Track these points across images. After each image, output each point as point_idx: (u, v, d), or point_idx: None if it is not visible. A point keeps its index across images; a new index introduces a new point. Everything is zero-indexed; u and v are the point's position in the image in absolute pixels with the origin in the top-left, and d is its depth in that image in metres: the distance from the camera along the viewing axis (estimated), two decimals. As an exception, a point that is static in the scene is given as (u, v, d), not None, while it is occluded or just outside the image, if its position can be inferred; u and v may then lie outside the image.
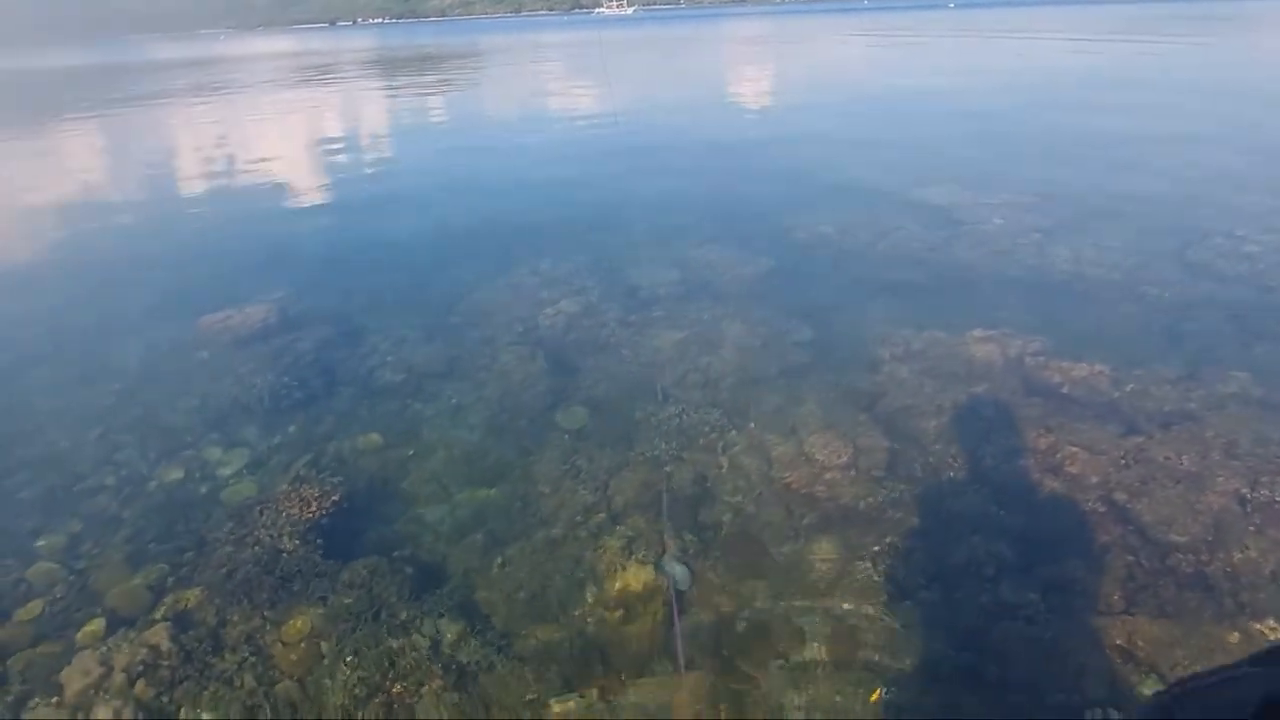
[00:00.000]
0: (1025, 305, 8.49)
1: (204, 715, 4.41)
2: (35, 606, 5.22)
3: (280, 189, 16.11)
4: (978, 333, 7.48)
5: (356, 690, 4.40)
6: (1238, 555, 4.87)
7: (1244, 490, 5.34)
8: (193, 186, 17.35)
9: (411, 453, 6.49)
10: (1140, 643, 4.37)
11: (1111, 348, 7.30)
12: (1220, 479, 5.43)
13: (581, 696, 4.34)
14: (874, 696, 4.24)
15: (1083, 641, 4.46)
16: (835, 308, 8.58)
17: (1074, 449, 5.76)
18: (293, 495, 5.90)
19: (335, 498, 5.89)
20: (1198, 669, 4.15)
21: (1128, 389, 6.60)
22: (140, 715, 4.41)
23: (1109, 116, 20.30)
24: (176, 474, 6.40)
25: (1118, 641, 4.41)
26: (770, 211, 12.24)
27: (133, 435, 6.96)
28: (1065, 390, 6.62)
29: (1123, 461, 5.66)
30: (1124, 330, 7.88)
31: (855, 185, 13.79)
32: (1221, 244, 9.99)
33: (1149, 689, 4.13)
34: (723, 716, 4.21)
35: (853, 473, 5.78)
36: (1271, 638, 4.36)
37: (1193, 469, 5.54)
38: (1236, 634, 4.39)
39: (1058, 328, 7.76)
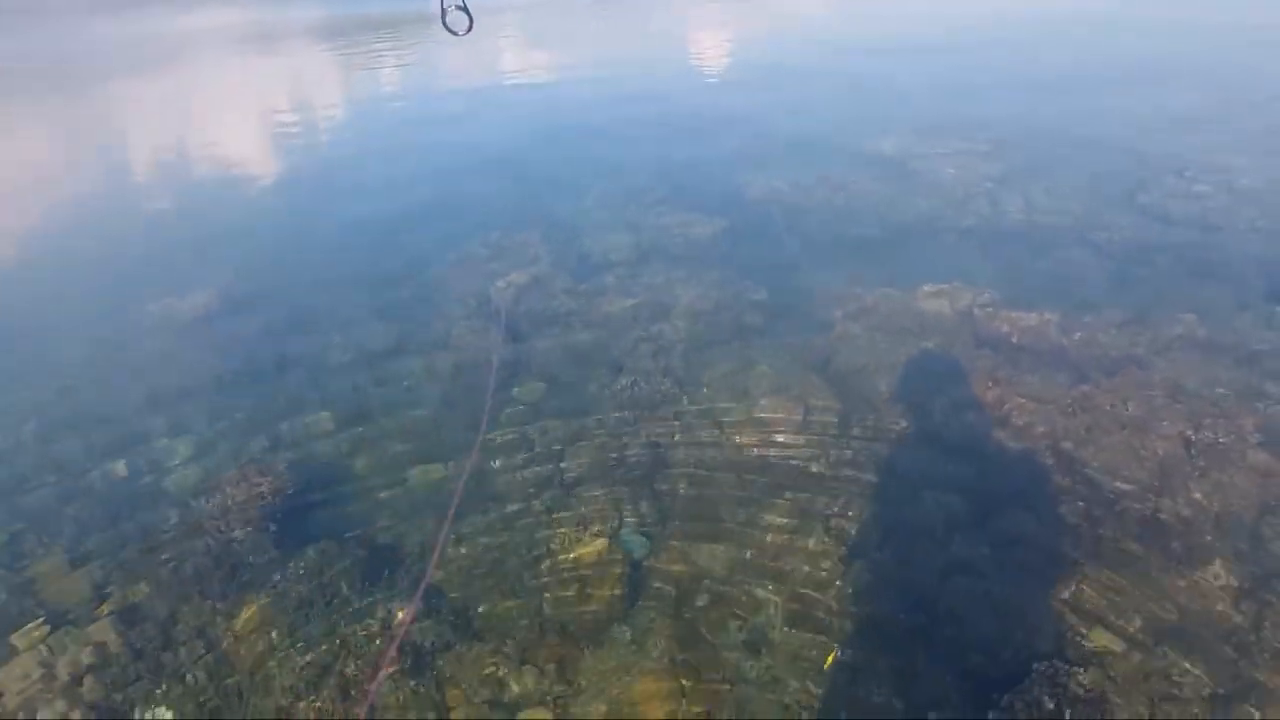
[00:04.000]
0: (977, 256, 8.52)
1: (159, 713, 4.35)
2: (-26, 610, 5.10)
3: (221, 169, 15.62)
4: (929, 287, 7.49)
5: (308, 674, 4.36)
6: (1183, 501, 4.96)
7: (1189, 433, 5.42)
8: (127, 170, 16.77)
9: (363, 432, 6.38)
10: (1088, 592, 4.45)
11: (1061, 295, 7.35)
12: (1165, 423, 5.51)
13: (540, 670, 4.34)
14: (829, 660, 4.28)
15: (1032, 595, 4.52)
16: (789, 267, 8.54)
17: (1022, 400, 5.81)
18: (241, 481, 5.78)
19: (286, 482, 5.78)
20: (1144, 619, 4.25)
21: (1075, 336, 6.65)
22: (91, 715, 4.33)
23: (1062, 57, 20.32)
24: (120, 466, 6.24)
25: (1066, 593, 4.48)
26: (723, 171, 12.12)
27: (74, 429, 6.77)
28: (1014, 340, 6.66)
29: (1070, 410, 5.72)
30: (1074, 277, 7.94)
31: (809, 139, 13.67)
32: (1172, 185, 10.08)
33: (1097, 640, 4.20)
34: (683, 682, 4.23)
35: (805, 435, 5.78)
36: (1217, 583, 4.45)
37: (1138, 414, 5.62)
38: (1183, 581, 4.47)
39: (1009, 278, 7.79)
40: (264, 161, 15.89)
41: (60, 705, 4.33)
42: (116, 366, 7.72)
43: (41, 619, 4.91)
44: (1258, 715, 3.73)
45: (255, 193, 13.85)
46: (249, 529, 5.44)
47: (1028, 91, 16.42)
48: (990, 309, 7.11)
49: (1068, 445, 5.43)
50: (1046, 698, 3.80)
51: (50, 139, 21.06)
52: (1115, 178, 10.61)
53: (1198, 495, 4.98)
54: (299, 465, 5.96)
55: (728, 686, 4.20)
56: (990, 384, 6.03)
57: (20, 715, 4.31)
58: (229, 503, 5.63)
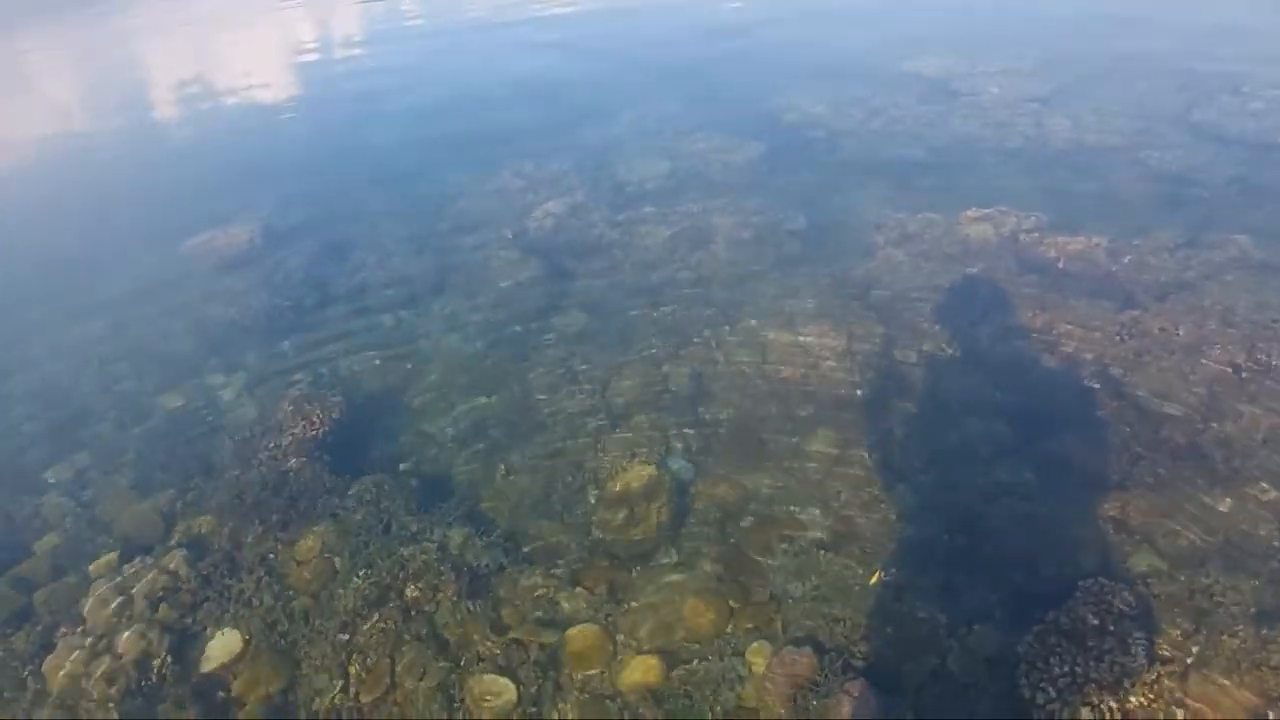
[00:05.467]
0: (1022, 179, 8.31)
1: (229, 634, 4.56)
2: (51, 539, 5.34)
3: (253, 103, 15.59)
4: (973, 212, 7.35)
5: (369, 595, 4.54)
6: (1231, 423, 4.91)
7: (1239, 358, 5.34)
8: (161, 106, 16.80)
9: (409, 366, 6.49)
10: (1133, 513, 4.46)
11: (1109, 219, 7.17)
12: (1216, 348, 5.43)
13: (590, 592, 4.48)
14: (873, 579, 4.36)
15: (1077, 516, 4.55)
16: (829, 193, 8.40)
17: (1069, 325, 5.74)
18: (294, 414, 5.93)
19: (336, 415, 5.91)
20: (1189, 540, 4.26)
21: (1125, 260, 6.52)
22: (166, 637, 4.56)
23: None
24: (177, 400, 6.43)
25: (1111, 514, 4.50)
26: (760, 95, 11.84)
27: (130, 364, 6.96)
28: (1061, 265, 6.55)
29: (1118, 335, 5.64)
30: (1123, 200, 7.73)
31: (847, 61, 13.28)
32: (1226, 103, 9.69)
33: (1142, 560, 4.23)
34: (730, 603, 4.35)
35: (848, 362, 5.77)
36: (1264, 500, 4.43)
37: (1189, 339, 5.53)
38: (1229, 500, 4.47)
39: (1055, 201, 7.61)
40: (292, 92, 15.84)
41: (139, 628, 4.56)
42: (164, 302, 7.88)
43: (114, 549, 5.15)
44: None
45: (286, 123, 13.83)
46: (304, 460, 5.60)
47: (1074, 4, 15.73)
48: (1036, 233, 6.97)
49: (1116, 370, 5.38)
50: (1090, 614, 3.85)
51: (74, 70, 21.11)
52: (1166, 95, 10.22)
53: (1246, 419, 4.92)
54: (348, 398, 6.08)
55: (774, 606, 4.31)
56: (1036, 310, 5.95)
57: (104, 637, 4.55)
58: (283, 435, 5.78)
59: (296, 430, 5.79)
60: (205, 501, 5.43)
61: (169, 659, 4.43)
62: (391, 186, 10.04)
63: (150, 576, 4.87)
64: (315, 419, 5.86)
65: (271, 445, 5.75)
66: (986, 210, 7.32)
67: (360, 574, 4.69)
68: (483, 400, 5.99)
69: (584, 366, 6.11)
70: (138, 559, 5.04)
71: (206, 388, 6.56)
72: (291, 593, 4.74)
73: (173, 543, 5.14)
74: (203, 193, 10.71)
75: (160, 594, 4.78)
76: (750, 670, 4.03)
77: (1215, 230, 6.84)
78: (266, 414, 6.10)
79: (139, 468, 5.81)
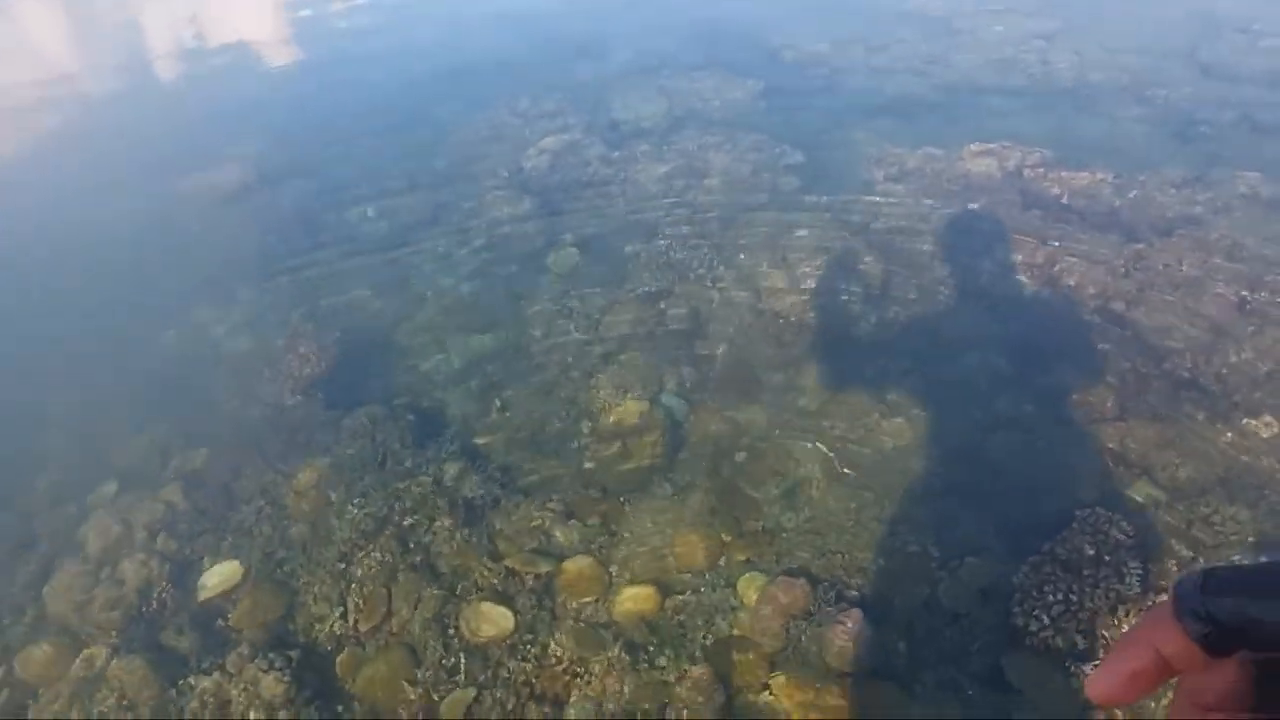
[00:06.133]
0: (1027, 115, 8.15)
1: (227, 565, 4.59)
2: (50, 471, 5.35)
3: (242, 43, 15.22)
4: (975, 146, 7.21)
5: (366, 526, 4.56)
6: (1234, 358, 4.87)
7: (1244, 293, 5.29)
8: (150, 47, 16.43)
9: (402, 303, 6.43)
10: (1133, 446, 4.45)
11: (1115, 154, 7.05)
12: (1220, 283, 5.37)
13: (584, 524, 4.49)
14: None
15: (1075, 448, 4.55)
16: (828, 129, 8.25)
17: (1072, 260, 5.67)
18: (289, 352, 5.90)
19: (332, 351, 5.89)
20: (1189, 471, 4.26)
21: (1130, 196, 6.42)
22: (166, 566, 4.59)
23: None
24: (172, 336, 6.39)
25: (1110, 446, 4.49)
26: (758, 31, 11.55)
27: (123, 301, 6.90)
28: (1065, 201, 6.45)
29: (1122, 270, 5.58)
30: (1129, 136, 7.60)
31: (850, -1, 12.97)
32: (1236, 40, 9.47)
33: (1141, 491, 4.23)
34: (723, 535, 4.36)
35: (844, 297, 5.72)
36: (1265, 435, 4.42)
37: (1193, 274, 5.47)
38: (1230, 433, 4.46)
39: (1060, 137, 7.47)
40: (282, 31, 15.46)
41: (140, 557, 4.59)
42: (158, 240, 7.77)
43: (113, 481, 5.15)
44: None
45: (275, 63, 13.50)
46: (299, 397, 5.60)
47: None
48: (1040, 169, 6.85)
49: (1118, 305, 5.33)
50: (1087, 544, 3.86)
51: (63, 13, 20.65)
52: (1175, 31, 9.97)
53: (1249, 353, 4.89)
54: (342, 335, 6.04)
55: (767, 538, 4.32)
56: (1039, 245, 5.88)
57: (105, 564, 4.59)
58: (278, 371, 5.76)
59: (292, 366, 5.78)
60: (202, 436, 5.42)
61: (169, 586, 4.47)
62: (382, 125, 9.83)
63: (149, 507, 4.89)
64: (310, 355, 5.84)
65: (267, 381, 5.74)
66: (989, 145, 7.19)
67: (356, 506, 4.70)
68: (477, 337, 5.95)
69: (578, 303, 6.05)
70: (136, 491, 5.06)
71: (201, 324, 6.50)
72: (289, 524, 4.76)
73: (170, 475, 5.15)
74: (191, 132, 10.49)
75: (159, 524, 4.81)
76: (742, 601, 4.05)
77: (1223, 167, 6.72)
78: (261, 350, 6.07)
79: (135, 402, 5.78)
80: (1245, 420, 4.48)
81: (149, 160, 9.69)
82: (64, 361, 6.29)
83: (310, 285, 6.78)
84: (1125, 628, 3.65)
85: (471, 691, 3.84)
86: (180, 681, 4.00)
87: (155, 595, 4.40)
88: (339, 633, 4.16)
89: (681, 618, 4.02)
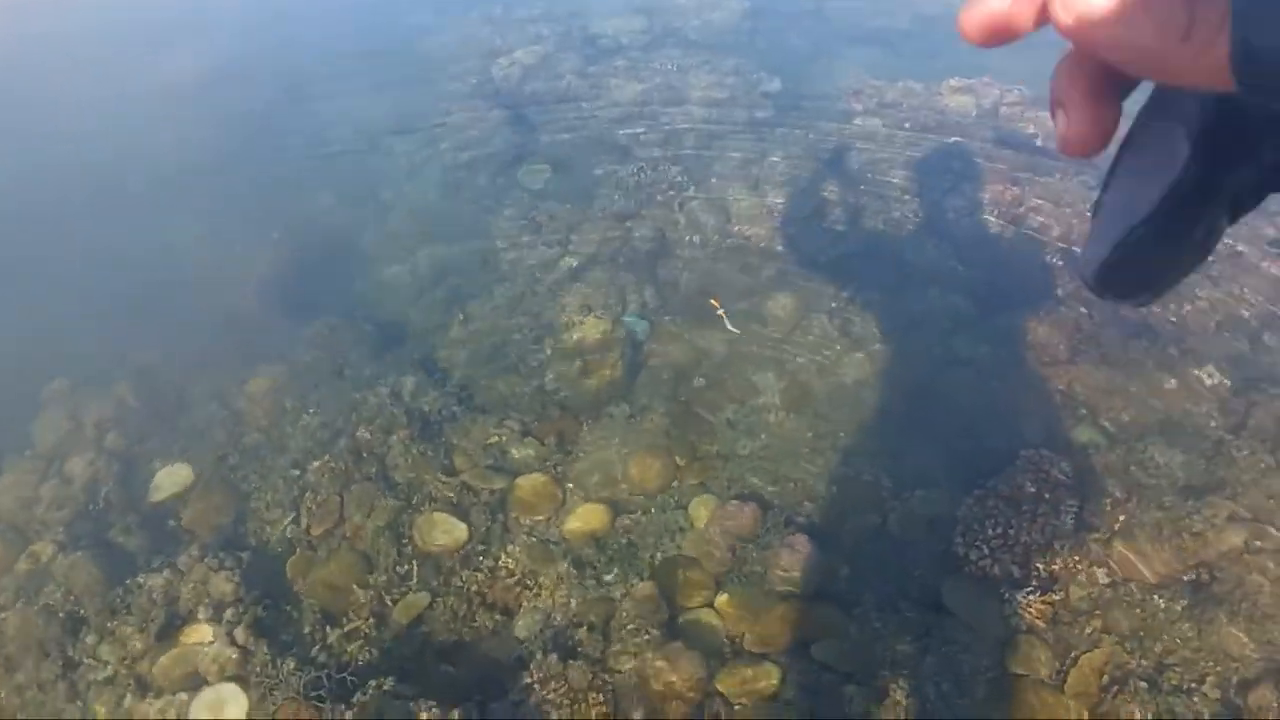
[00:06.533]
0: (1007, 51, 7.89)
1: (178, 468, 4.56)
2: (2, 371, 5.22)
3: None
4: (955, 82, 7.11)
5: (320, 435, 4.54)
6: (1186, 308, 4.95)
7: (1204, 241, 5.33)
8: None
9: (366, 212, 6.29)
10: (1081, 389, 4.54)
11: (1094, 97, 6.99)
12: (1182, 231, 5.41)
13: (540, 442, 4.51)
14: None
15: (1027, 389, 4.63)
16: (808, 57, 8.07)
17: (1039, 201, 5.68)
18: (247, 257, 5.79)
19: (292, 258, 5.79)
20: (1132, 416, 4.37)
21: (1103, 140, 6.40)
22: (115, 465, 4.55)
23: None
24: (129, 236, 6.17)
25: (1060, 388, 4.58)
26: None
27: (80, 202, 6.63)
28: (1039, 142, 6.42)
29: (1087, 213, 5.58)
30: (1108, 79, 7.52)
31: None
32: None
33: (1084, 433, 4.34)
34: (677, 458, 4.41)
35: (813, 227, 5.70)
36: (1208, 383, 4.53)
37: (1156, 221, 5.50)
38: (1175, 380, 4.55)
39: (1040, 76, 7.18)
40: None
41: (89, 454, 4.54)
42: (115, 142, 7.44)
43: (64, 377, 5.05)
44: (1230, 506, 3.90)
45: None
46: (257, 303, 5.50)
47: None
48: (1018, 107, 6.80)
49: (1080, 248, 5.36)
50: (1029, 482, 3.97)
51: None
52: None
53: (1204, 301, 4.96)
54: (304, 241, 5.93)
55: (722, 463, 4.38)
56: (1009, 184, 5.87)
57: (54, 458, 4.54)
58: (238, 275, 5.64)
59: (250, 272, 5.66)
60: (156, 339, 5.30)
61: (118, 486, 4.44)
62: (351, 28, 9.45)
63: (99, 404, 4.82)
64: (269, 262, 5.72)
65: (226, 284, 5.62)
66: (969, 81, 7.10)
67: (311, 414, 4.68)
68: (442, 248, 5.85)
69: (546, 219, 5.95)
70: (88, 388, 4.97)
71: (160, 227, 6.29)
72: (242, 430, 4.73)
73: (124, 374, 5.05)
74: (151, 30, 9.97)
75: (109, 422, 4.76)
76: (693, 523, 4.13)
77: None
78: (221, 254, 5.91)
79: (92, 301, 5.61)
80: (1191, 369, 4.57)
81: (109, 55, 9.23)
82: (19, 258, 6.06)
83: (271, 189, 6.59)
84: (1058, 561, 3.80)
85: (425, 597, 3.91)
86: (129, 579, 4.01)
87: (103, 494, 4.37)
88: (290, 536, 4.19)
89: (632, 536, 4.09)
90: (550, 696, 3.36)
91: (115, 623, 3.86)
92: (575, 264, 5.59)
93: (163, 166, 6.95)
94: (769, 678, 3.52)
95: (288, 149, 7.19)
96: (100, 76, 8.72)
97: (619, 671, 3.56)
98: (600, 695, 3.38)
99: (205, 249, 6.05)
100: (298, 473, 4.41)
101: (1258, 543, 3.76)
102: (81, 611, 3.93)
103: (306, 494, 4.31)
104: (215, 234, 6.18)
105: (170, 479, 4.50)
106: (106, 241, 6.16)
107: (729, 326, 4.87)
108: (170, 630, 3.84)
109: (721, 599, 3.83)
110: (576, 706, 3.33)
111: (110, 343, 5.31)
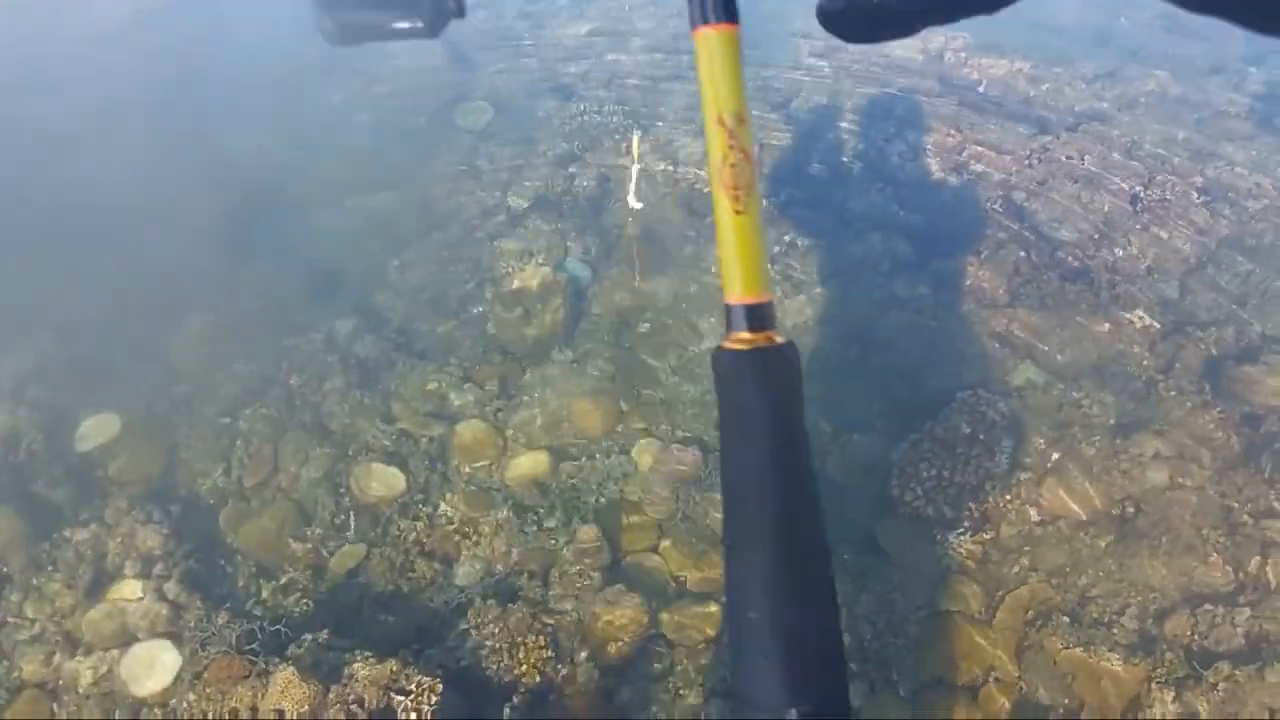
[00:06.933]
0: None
1: (105, 418, 4.40)
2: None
3: None
4: (902, 26, 7.07)
5: (251, 383, 4.42)
6: (1121, 251, 5.04)
7: (1138, 189, 5.42)
8: None
9: (299, 156, 6.07)
10: (1018, 331, 4.61)
11: (1037, 45, 7.01)
12: (1117, 178, 5.49)
13: (480, 388, 4.45)
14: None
15: (966, 332, 4.68)
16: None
17: (980, 148, 5.70)
18: (178, 199, 5.51)
19: (224, 203, 5.52)
20: (1070, 352, 4.45)
21: (1044, 88, 6.44)
22: (36, 417, 4.37)
23: None
24: (49, 178, 5.86)
25: (998, 330, 4.64)
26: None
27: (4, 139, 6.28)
28: (982, 89, 6.44)
29: (1026, 161, 5.64)
30: (1052, 27, 7.53)
31: None
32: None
33: (1021, 375, 4.41)
34: (620, 403, 4.39)
35: (758, 170, 5.64)
36: (1138, 325, 4.62)
37: (1093, 168, 5.57)
38: (1108, 323, 4.64)
39: (985, 24, 7.26)
40: None
41: (7, 404, 4.36)
42: (33, 82, 7.04)
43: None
44: (1157, 443, 4.02)
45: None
46: (188, 248, 5.25)
47: None
48: (963, 54, 6.79)
49: (1019, 195, 5.41)
50: (964, 424, 4.03)
51: None
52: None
53: (1135, 248, 5.06)
54: (233, 184, 5.67)
55: (665, 408, 4.37)
56: (951, 130, 5.88)
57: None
58: (166, 220, 5.38)
59: (179, 216, 5.40)
60: (79, 283, 5.06)
61: (42, 438, 4.27)
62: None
63: (19, 357, 4.61)
64: (201, 205, 5.46)
65: (151, 229, 5.36)
66: (916, 26, 7.06)
67: (242, 362, 4.54)
68: (380, 192, 5.68)
69: (486, 163, 5.81)
70: (5, 339, 4.75)
71: (86, 167, 5.96)
72: (171, 379, 4.57)
73: (45, 325, 4.83)
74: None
75: (28, 373, 4.55)
76: (636, 467, 4.12)
77: (1137, 64, 6.79)
78: (146, 198, 5.63)
79: (10, 244, 5.34)
80: (1123, 312, 4.67)
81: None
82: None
83: (198, 130, 6.29)
84: (991, 500, 3.88)
85: (361, 548, 3.85)
86: (55, 534, 3.88)
87: (25, 445, 4.20)
88: (222, 487, 4.09)
89: (574, 482, 4.07)
90: (488, 641, 3.35)
91: (41, 579, 3.74)
92: (516, 209, 5.47)
93: (82, 106, 6.59)
94: (712, 619, 3.56)
95: (214, 89, 6.87)
96: (20, 18, 8.23)
97: (560, 613, 3.56)
98: (540, 638, 3.38)
99: (128, 194, 5.76)
100: (228, 421, 4.29)
101: (1181, 479, 3.89)
102: (5, 569, 3.80)
103: (238, 443, 4.20)
104: (139, 179, 5.88)
105: (97, 429, 4.34)
106: (26, 188, 5.84)
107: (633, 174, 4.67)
108: (99, 586, 3.73)
109: (665, 544, 3.85)
110: (515, 649, 3.33)
111: (30, 293, 5.06)
